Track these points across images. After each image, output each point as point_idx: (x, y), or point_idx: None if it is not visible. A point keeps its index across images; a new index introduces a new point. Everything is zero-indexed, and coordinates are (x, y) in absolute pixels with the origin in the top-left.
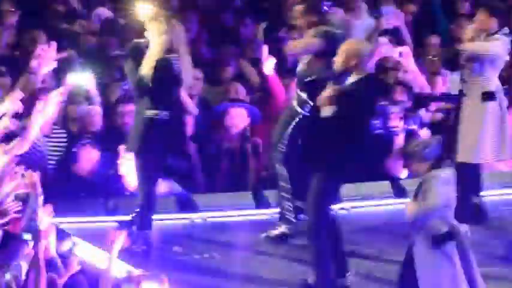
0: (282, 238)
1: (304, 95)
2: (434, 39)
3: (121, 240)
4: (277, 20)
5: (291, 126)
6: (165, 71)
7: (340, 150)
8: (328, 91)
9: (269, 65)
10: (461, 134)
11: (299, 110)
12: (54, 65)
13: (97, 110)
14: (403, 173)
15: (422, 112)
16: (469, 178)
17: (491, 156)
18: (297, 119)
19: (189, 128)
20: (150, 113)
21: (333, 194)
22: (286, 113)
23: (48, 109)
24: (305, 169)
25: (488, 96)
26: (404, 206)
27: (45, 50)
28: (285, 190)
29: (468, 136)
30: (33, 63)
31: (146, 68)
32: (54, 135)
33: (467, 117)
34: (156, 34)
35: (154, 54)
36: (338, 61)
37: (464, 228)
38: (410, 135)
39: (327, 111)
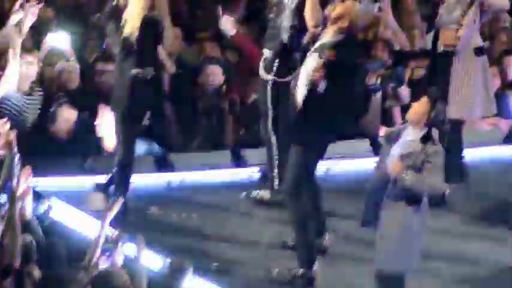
0: (261, 202)
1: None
2: None
3: (115, 209)
4: None
5: (268, 97)
6: (150, 30)
7: (319, 120)
8: (316, 64)
9: (226, 22)
10: (453, 90)
11: (267, 77)
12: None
13: (74, 67)
14: (382, 131)
15: (401, 69)
16: (456, 136)
17: (480, 112)
18: (269, 88)
19: (166, 87)
20: (135, 71)
21: (312, 162)
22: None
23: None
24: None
25: (480, 50)
26: (391, 165)
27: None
28: (272, 158)
29: (460, 91)
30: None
31: (130, 27)
32: (32, 95)
33: (458, 71)
34: None
35: (137, 13)
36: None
37: (445, 187)
38: (389, 92)
39: (321, 86)
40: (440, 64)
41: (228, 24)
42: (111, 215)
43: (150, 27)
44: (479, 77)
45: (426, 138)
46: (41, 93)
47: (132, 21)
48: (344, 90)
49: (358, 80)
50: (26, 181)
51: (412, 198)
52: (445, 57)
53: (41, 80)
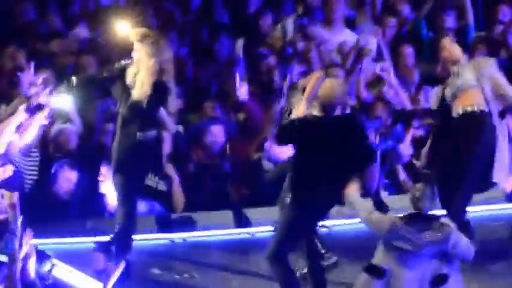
0: None
1: None
2: (407, 49)
3: (118, 271)
4: (255, 37)
5: None
6: (161, 95)
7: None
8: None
9: (243, 90)
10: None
11: None
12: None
13: (71, 129)
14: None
15: (400, 128)
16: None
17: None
18: None
19: (168, 147)
20: (141, 134)
21: (303, 226)
22: None
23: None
24: None
25: (505, 113)
26: None
27: (27, 74)
28: None
29: (504, 155)
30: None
31: (141, 92)
32: (30, 156)
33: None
34: (146, 55)
35: (147, 78)
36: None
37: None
38: (388, 151)
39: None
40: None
41: (243, 90)
42: (114, 277)
43: (158, 91)
44: (505, 139)
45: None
46: (37, 154)
47: (143, 87)
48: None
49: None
50: (28, 243)
51: None
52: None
53: (43, 142)
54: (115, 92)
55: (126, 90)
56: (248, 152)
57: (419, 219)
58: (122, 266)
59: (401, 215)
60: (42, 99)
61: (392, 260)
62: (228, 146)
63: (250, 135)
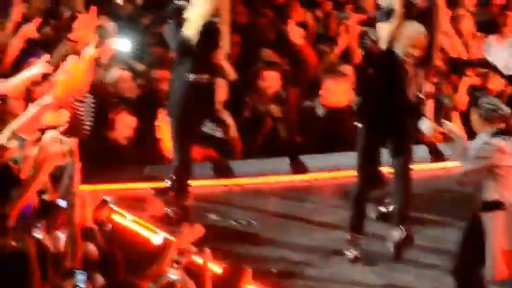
0: None
1: None
2: None
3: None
4: None
5: None
6: (210, 35)
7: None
8: None
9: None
10: None
11: None
12: (94, 34)
13: (129, 75)
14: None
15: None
16: None
17: None
18: None
19: (223, 93)
20: (193, 76)
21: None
22: None
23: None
24: None
25: None
26: None
27: (85, 17)
28: None
29: None
30: (74, 30)
31: (191, 30)
32: (84, 102)
33: None
34: None
35: (199, 17)
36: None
37: None
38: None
39: None
40: None
41: (297, 34)
42: (190, 236)
43: (210, 32)
44: None
45: None
46: (93, 99)
47: (193, 25)
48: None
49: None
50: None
51: None
52: None
53: (101, 86)
54: (167, 31)
55: (178, 30)
56: (302, 97)
57: None
58: (201, 231)
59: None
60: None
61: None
62: (284, 92)
63: (304, 80)
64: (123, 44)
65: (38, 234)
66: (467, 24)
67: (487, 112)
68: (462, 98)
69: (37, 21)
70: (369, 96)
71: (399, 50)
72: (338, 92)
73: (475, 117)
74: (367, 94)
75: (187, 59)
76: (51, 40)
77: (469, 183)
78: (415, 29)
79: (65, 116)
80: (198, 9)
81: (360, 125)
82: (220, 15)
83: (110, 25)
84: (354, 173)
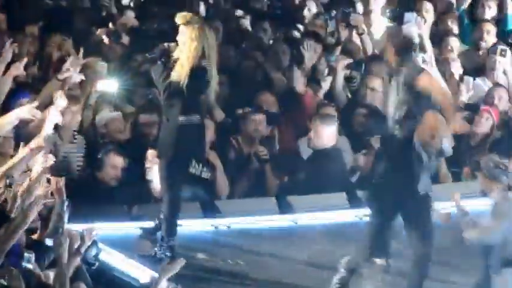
0: None
1: None
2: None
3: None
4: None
5: None
6: (199, 78)
7: None
8: None
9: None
10: None
11: None
12: (82, 76)
13: (120, 117)
14: None
15: None
16: None
17: None
18: None
19: (211, 134)
20: (183, 118)
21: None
22: None
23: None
24: None
25: None
26: None
27: (74, 58)
28: None
29: None
30: (63, 71)
31: (180, 73)
32: (74, 142)
33: None
34: (189, 39)
35: (188, 60)
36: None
37: None
38: None
39: None
40: None
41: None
42: (172, 270)
43: (199, 75)
44: None
45: None
46: (83, 140)
47: (182, 68)
48: None
49: None
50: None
51: None
52: None
53: (92, 127)
54: (155, 72)
55: (167, 72)
56: (294, 140)
57: None
58: (182, 263)
59: None
60: (74, 79)
61: None
62: (275, 133)
63: (294, 123)
64: (111, 85)
65: (29, 265)
66: (455, 68)
67: (490, 171)
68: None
69: (24, 60)
70: None
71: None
72: (325, 133)
73: (481, 180)
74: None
75: (177, 100)
76: (39, 80)
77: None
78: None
79: (50, 159)
80: (186, 52)
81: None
82: (209, 57)
83: (99, 66)
84: (342, 212)
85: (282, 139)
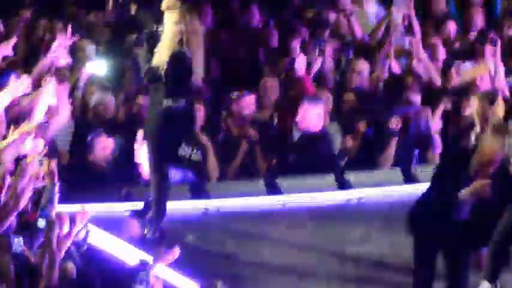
0: None
1: None
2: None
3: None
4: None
5: None
6: (178, 64)
7: None
8: None
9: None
10: None
11: None
12: (69, 59)
13: (110, 98)
14: None
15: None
16: None
17: None
18: None
19: (201, 117)
20: (168, 102)
21: None
22: None
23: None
24: None
25: None
26: None
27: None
28: None
29: None
30: (51, 53)
31: (158, 59)
32: (67, 124)
33: None
34: (171, 24)
35: (166, 45)
36: None
37: None
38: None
39: None
40: None
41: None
42: (167, 260)
43: (177, 61)
44: None
45: None
46: (71, 122)
47: (160, 54)
48: None
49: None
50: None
51: None
52: None
53: (82, 109)
54: (141, 56)
55: (150, 56)
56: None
57: None
58: (176, 253)
59: None
60: (61, 61)
61: None
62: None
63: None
64: (101, 67)
65: (19, 247)
66: (444, 51)
67: None
68: (435, 126)
69: (12, 40)
70: None
71: None
72: (312, 115)
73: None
74: None
75: (160, 84)
76: (28, 61)
77: None
78: None
79: (41, 143)
80: (166, 40)
81: None
82: (189, 42)
83: (89, 48)
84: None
85: (281, 123)
